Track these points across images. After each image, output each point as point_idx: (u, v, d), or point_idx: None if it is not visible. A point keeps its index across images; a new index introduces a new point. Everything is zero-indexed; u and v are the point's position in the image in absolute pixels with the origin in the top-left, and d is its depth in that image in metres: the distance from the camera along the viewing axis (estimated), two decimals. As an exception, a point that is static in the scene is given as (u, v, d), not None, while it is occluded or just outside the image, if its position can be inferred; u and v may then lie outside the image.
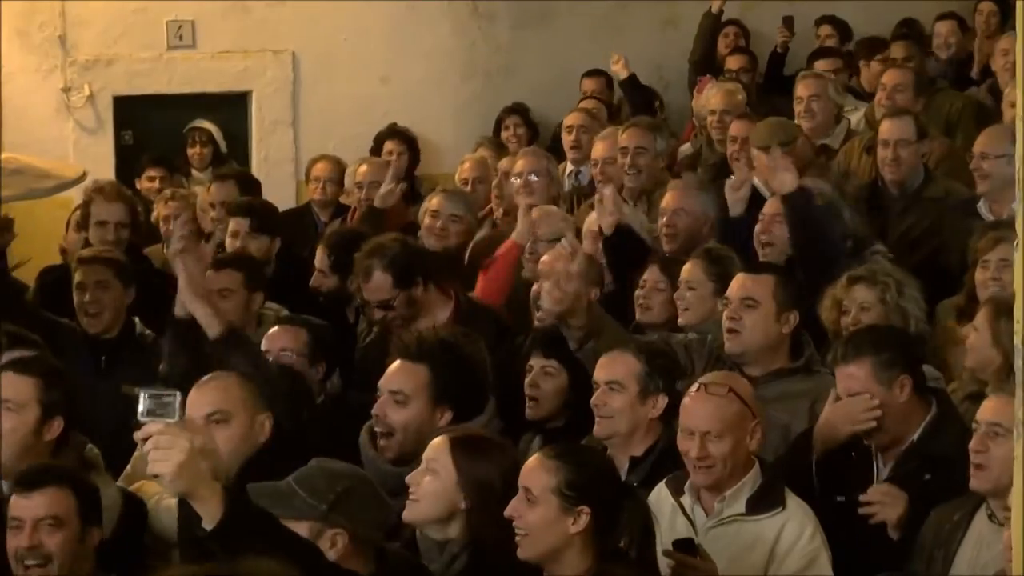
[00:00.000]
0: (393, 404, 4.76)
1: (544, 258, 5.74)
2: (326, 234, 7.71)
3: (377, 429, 4.80)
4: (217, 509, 3.38)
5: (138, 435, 3.39)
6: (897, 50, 9.59)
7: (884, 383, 4.64)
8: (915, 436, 4.68)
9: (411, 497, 4.14)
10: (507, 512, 3.88)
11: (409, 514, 4.16)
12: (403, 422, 4.72)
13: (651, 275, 5.93)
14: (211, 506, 3.38)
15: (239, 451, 4.50)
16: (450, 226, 7.29)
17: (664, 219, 6.61)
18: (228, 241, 7.33)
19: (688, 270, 5.73)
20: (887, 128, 7.21)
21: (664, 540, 4.08)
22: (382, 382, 4.85)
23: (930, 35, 10.34)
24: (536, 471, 3.87)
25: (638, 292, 5.90)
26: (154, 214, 8.39)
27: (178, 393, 3.43)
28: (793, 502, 4.32)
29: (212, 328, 5.28)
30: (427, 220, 7.32)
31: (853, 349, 4.73)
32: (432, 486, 4.11)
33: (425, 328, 5.51)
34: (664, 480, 4.47)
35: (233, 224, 7.35)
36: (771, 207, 6.25)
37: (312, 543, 3.74)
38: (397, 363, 4.87)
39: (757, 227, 6.24)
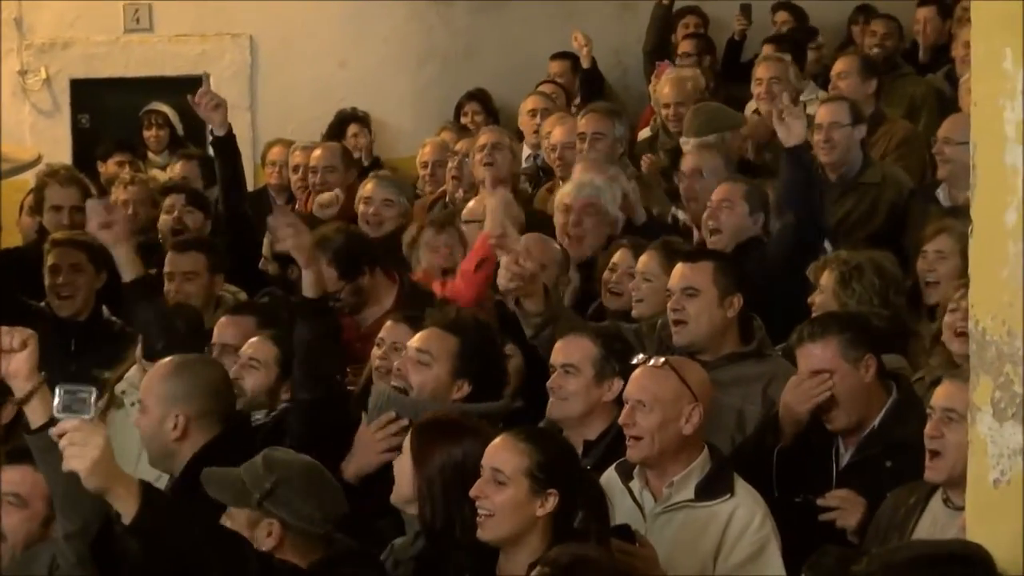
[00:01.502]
0: (417, 364, 4.80)
1: (502, 233, 5.67)
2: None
3: (394, 383, 4.86)
4: (132, 504, 3.39)
5: (54, 431, 3.39)
6: (876, 26, 9.64)
7: (850, 361, 4.65)
8: (876, 421, 4.69)
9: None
10: (472, 492, 3.88)
11: (393, 495, 4.22)
12: (421, 381, 4.78)
13: (622, 258, 5.92)
14: (127, 501, 3.39)
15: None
16: (383, 211, 7.31)
17: (708, 212, 6.44)
18: (162, 217, 7.32)
19: (644, 261, 5.71)
20: (822, 112, 7.27)
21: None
22: (411, 340, 4.90)
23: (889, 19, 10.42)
24: (506, 452, 3.86)
25: (607, 275, 5.89)
26: (112, 198, 8.33)
27: (93, 389, 3.43)
28: (742, 488, 4.31)
29: (127, 272, 5.47)
30: (361, 208, 7.36)
31: (820, 328, 4.75)
32: (400, 466, 4.17)
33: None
34: (614, 464, 4.46)
35: (169, 200, 7.39)
36: (718, 194, 6.27)
37: (237, 534, 3.74)
38: (428, 329, 4.90)
39: (704, 213, 6.26)
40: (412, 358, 4.82)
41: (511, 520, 3.82)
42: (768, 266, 6.00)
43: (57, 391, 3.39)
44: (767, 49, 9.29)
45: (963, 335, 4.98)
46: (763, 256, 6.12)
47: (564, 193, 6.59)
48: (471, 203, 6.79)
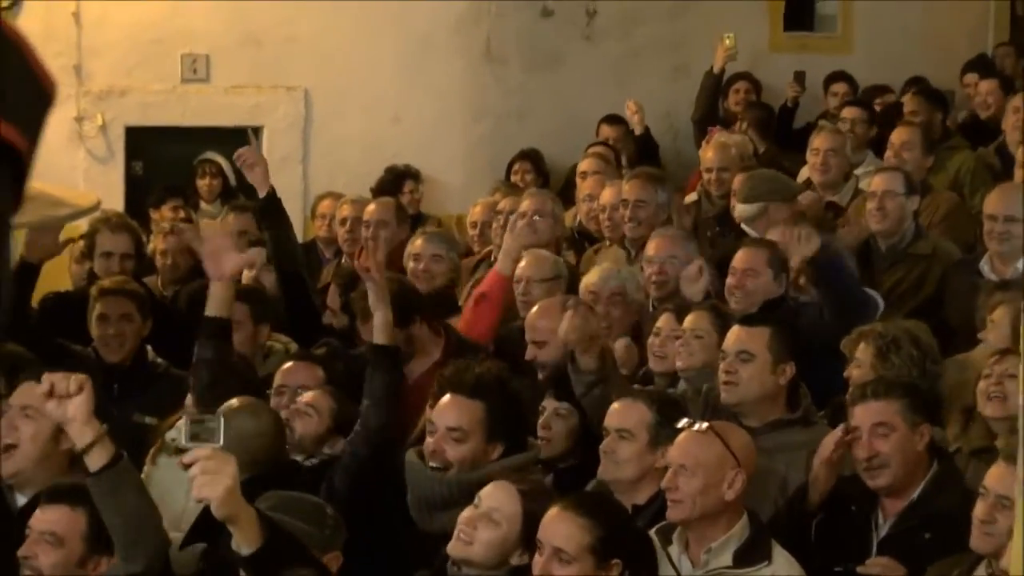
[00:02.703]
0: (451, 440, 4.76)
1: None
2: (336, 272, 7.72)
3: (432, 464, 4.79)
4: (256, 537, 3.40)
5: (185, 459, 3.40)
6: (915, 107, 9.55)
7: (908, 424, 4.62)
8: (917, 492, 4.65)
9: (463, 537, 4.13)
10: (537, 572, 3.91)
11: (458, 552, 4.15)
12: (460, 457, 4.72)
13: (666, 323, 5.90)
14: (250, 533, 3.40)
15: None
16: (433, 267, 7.25)
17: (654, 267, 6.60)
18: (244, 273, 7.38)
19: (693, 319, 5.70)
20: (876, 181, 7.24)
21: None
22: (436, 416, 4.85)
23: (943, 92, 10.39)
24: (568, 529, 3.88)
25: (652, 340, 5.86)
26: (151, 246, 8.39)
27: (221, 417, 3.44)
28: (781, 556, 4.30)
29: (213, 306, 5.50)
30: (411, 264, 7.30)
31: (884, 388, 4.74)
32: (489, 534, 4.10)
33: (466, 363, 5.58)
34: (655, 528, 4.44)
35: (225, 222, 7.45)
36: (741, 262, 6.17)
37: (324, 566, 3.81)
38: (450, 398, 4.85)
39: (729, 280, 6.20)
40: (443, 436, 4.77)
41: None
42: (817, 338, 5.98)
43: (184, 420, 3.42)
44: (850, 112, 9.24)
45: (996, 399, 5.02)
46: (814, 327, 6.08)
47: (590, 282, 6.51)
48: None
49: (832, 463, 4.67)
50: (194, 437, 3.37)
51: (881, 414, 4.62)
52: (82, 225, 8.27)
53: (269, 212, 7.23)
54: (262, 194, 7.18)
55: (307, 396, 5.41)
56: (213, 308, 5.47)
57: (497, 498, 4.17)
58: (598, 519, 3.89)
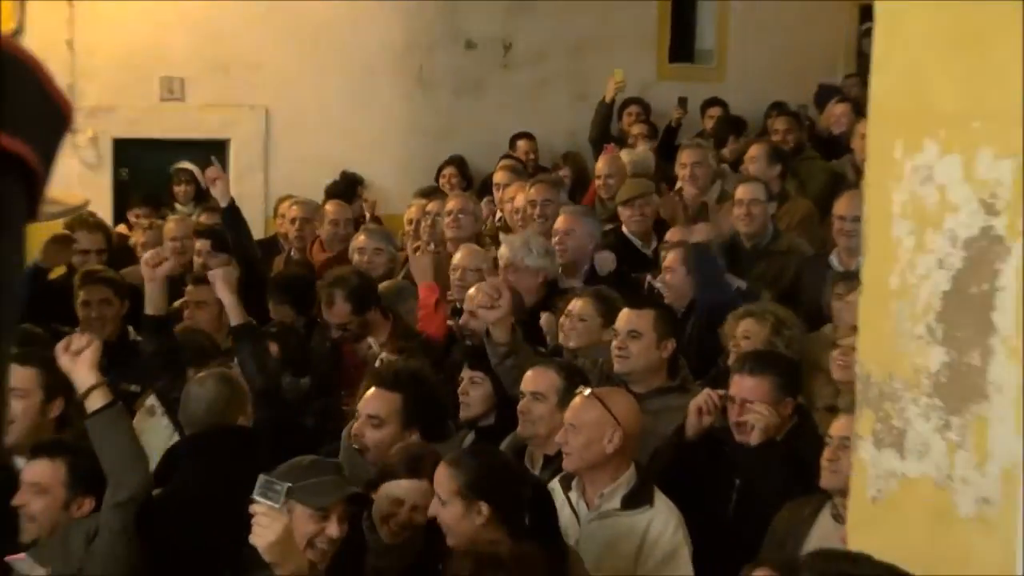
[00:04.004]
0: (370, 426, 4.73)
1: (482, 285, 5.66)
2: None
3: (355, 446, 4.79)
4: None
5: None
6: (777, 126, 9.72)
7: (774, 402, 4.64)
8: (780, 438, 4.67)
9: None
10: (428, 513, 3.91)
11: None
12: (377, 441, 4.70)
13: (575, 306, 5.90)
14: None
15: None
16: (375, 258, 7.27)
17: (557, 238, 6.73)
18: (195, 259, 7.35)
19: (579, 305, 5.70)
20: (741, 190, 7.30)
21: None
22: (360, 405, 4.83)
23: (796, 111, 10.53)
24: (441, 477, 3.88)
25: (563, 320, 5.81)
26: (132, 240, 8.37)
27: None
28: (661, 501, 4.30)
29: (235, 316, 5.62)
30: (355, 256, 7.31)
31: (759, 365, 4.74)
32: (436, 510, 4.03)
33: (362, 353, 5.57)
34: (557, 477, 4.46)
35: (199, 244, 7.39)
36: (669, 261, 6.31)
37: None
38: (373, 390, 4.83)
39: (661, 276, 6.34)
40: (364, 423, 4.75)
41: (459, 530, 3.83)
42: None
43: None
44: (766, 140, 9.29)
45: (842, 366, 5.09)
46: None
47: (502, 254, 6.52)
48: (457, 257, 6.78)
49: (700, 412, 4.70)
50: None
51: (754, 391, 4.64)
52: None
53: (230, 218, 7.51)
54: (223, 204, 7.48)
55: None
56: (150, 307, 5.71)
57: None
58: (464, 467, 3.88)
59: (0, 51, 0.66)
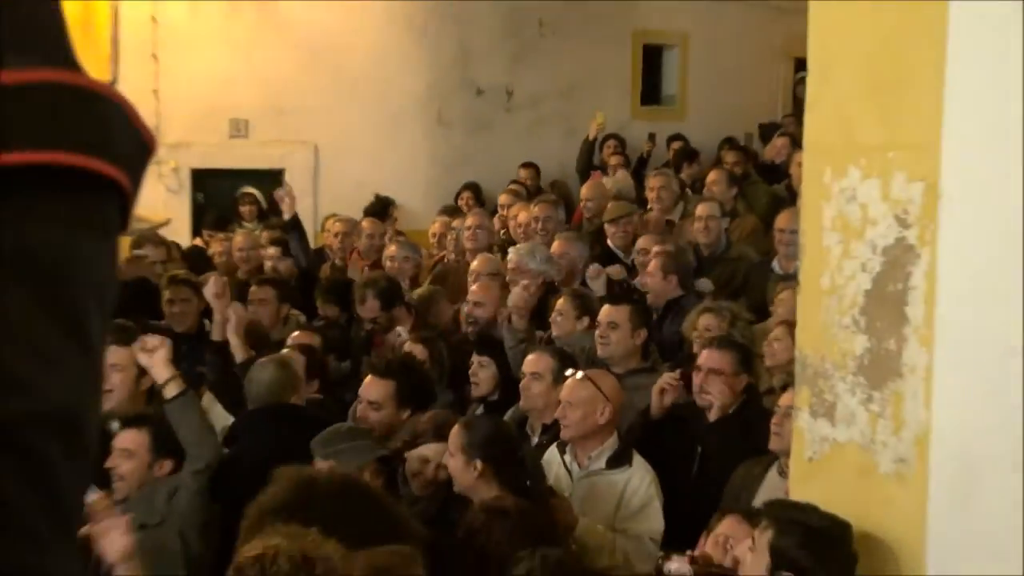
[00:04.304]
0: (371, 410, 4.66)
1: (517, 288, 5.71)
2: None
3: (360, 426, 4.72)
4: None
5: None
6: (728, 157, 9.68)
7: (733, 373, 4.60)
8: (732, 410, 4.64)
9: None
10: (443, 461, 3.90)
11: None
12: (377, 421, 4.62)
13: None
14: None
15: None
16: (403, 265, 7.24)
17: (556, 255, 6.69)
18: (267, 264, 7.35)
19: (560, 303, 5.65)
20: (700, 209, 7.31)
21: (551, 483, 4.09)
22: (361, 392, 4.73)
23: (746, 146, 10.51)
24: (453, 435, 3.87)
25: (552, 315, 5.74)
26: (211, 250, 8.38)
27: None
28: (638, 461, 4.29)
29: (238, 354, 5.32)
30: (387, 264, 7.29)
31: (725, 343, 4.74)
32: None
33: (392, 341, 5.53)
34: (555, 443, 4.44)
35: (270, 251, 7.44)
36: (651, 267, 6.23)
37: None
38: (369, 378, 4.75)
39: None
40: (366, 407, 4.67)
41: (461, 480, 3.82)
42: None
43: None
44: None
45: (770, 355, 5.07)
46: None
47: (511, 259, 6.52)
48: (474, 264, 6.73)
49: (663, 392, 4.66)
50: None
51: (719, 361, 4.60)
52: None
53: (293, 228, 7.56)
54: (287, 217, 7.57)
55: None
56: (216, 333, 5.47)
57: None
58: (468, 429, 3.86)
59: (97, 92, 0.66)
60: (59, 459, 0.62)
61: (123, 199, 0.68)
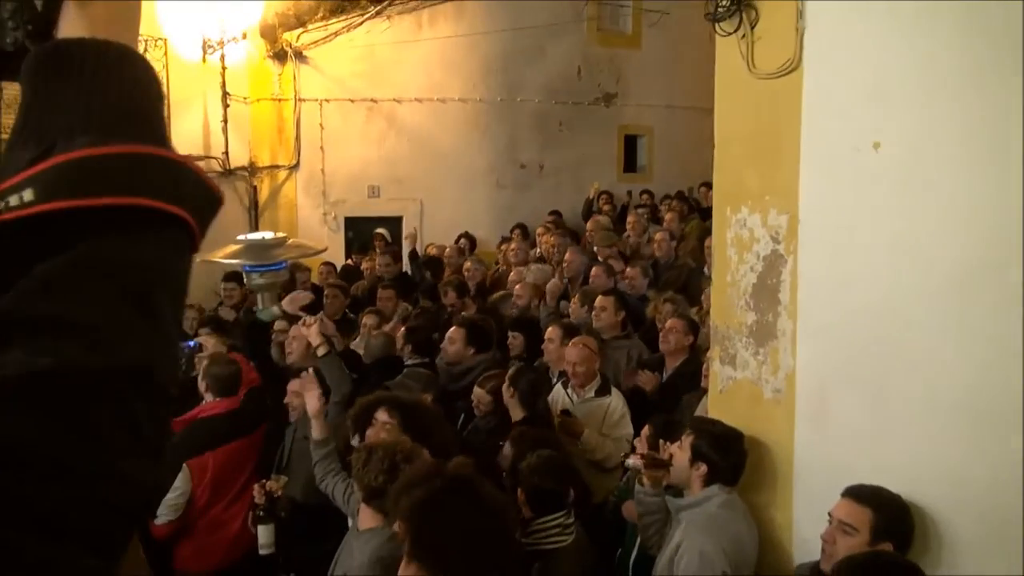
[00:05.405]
0: (449, 344, 4.64)
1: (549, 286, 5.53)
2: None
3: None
4: None
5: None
6: (675, 205, 9.51)
7: (684, 332, 4.51)
8: (682, 361, 4.51)
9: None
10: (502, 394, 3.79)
11: None
12: (452, 351, 4.63)
13: (553, 332, 5.10)
14: None
15: None
16: (475, 273, 7.19)
17: (565, 264, 6.58)
18: (383, 271, 7.34)
19: (551, 330, 4.95)
20: (658, 235, 7.28)
21: (558, 410, 4.06)
22: (447, 335, 4.63)
23: (692, 198, 10.35)
24: (505, 376, 3.85)
25: (545, 344, 4.78)
26: (364, 265, 8.37)
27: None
28: (615, 392, 4.25)
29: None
30: (466, 273, 7.24)
31: (686, 319, 4.61)
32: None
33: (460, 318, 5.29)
34: (560, 382, 4.39)
35: (384, 259, 7.46)
36: (629, 273, 6.11)
37: None
38: (453, 327, 4.66)
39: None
40: (447, 342, 4.56)
41: (506, 399, 3.75)
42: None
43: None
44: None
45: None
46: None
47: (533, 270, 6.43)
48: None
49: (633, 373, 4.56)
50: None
51: (676, 325, 4.52)
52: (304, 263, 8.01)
53: (412, 257, 7.50)
54: (408, 251, 7.52)
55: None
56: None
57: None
58: (513, 374, 3.75)
59: (174, 160, 0.63)
60: (135, 398, 0.57)
61: (191, 230, 0.63)
